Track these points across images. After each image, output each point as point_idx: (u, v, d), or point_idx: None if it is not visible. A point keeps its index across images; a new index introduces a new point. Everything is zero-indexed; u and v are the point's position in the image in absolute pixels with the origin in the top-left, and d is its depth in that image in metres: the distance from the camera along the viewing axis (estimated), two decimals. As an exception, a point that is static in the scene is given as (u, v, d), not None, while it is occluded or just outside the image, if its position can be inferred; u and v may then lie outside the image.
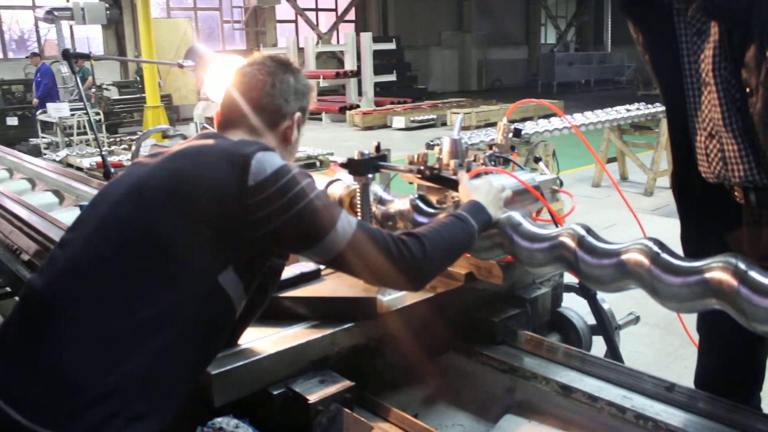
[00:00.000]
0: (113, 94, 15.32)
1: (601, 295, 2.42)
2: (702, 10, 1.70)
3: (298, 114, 1.64)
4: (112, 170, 2.74)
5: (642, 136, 8.84)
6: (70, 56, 2.52)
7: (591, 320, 2.36)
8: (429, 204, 1.90)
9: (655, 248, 1.45)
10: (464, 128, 14.90)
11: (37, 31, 17.64)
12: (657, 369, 3.79)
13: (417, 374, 1.96)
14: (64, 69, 14.74)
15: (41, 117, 12.65)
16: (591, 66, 26.90)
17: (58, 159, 11.67)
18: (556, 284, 2.26)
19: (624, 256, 1.49)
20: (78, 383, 1.26)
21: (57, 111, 11.99)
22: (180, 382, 1.39)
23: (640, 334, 4.16)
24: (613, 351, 2.17)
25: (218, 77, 2.23)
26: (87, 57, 2.76)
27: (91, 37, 18.20)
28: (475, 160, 2.08)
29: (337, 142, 12.49)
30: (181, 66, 2.43)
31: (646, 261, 1.44)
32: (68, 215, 4.06)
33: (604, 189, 8.54)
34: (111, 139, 12.72)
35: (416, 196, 1.90)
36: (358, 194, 1.84)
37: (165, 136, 3.32)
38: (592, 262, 1.54)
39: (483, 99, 18.88)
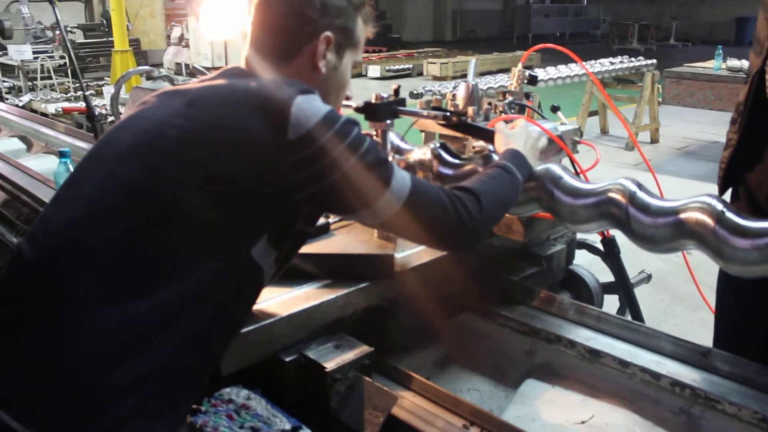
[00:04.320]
0: (78, 37, 14.75)
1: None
2: None
3: (327, 34, 1.36)
4: (96, 111, 2.51)
5: (624, 90, 8.74)
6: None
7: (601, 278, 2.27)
8: (452, 153, 1.75)
9: (720, 206, 1.32)
10: (439, 78, 14.70)
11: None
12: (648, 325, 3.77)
13: (430, 336, 1.85)
14: (25, 9, 14.13)
15: (1, 59, 12.12)
16: (567, 18, 26.64)
17: (20, 104, 11.22)
18: (569, 240, 2.14)
19: (683, 215, 1.36)
20: (87, 380, 1.04)
21: (19, 54, 11.49)
22: (203, 369, 1.21)
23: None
24: (635, 311, 2.06)
25: (216, 11, 2.02)
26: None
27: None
28: (492, 108, 1.93)
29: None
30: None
31: (709, 221, 1.31)
32: (38, 162, 3.83)
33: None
34: (77, 85, 12.26)
35: (437, 144, 1.74)
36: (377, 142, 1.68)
37: (149, 77, 3.05)
38: (646, 221, 1.41)
39: (459, 49, 18.58)
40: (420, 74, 15.23)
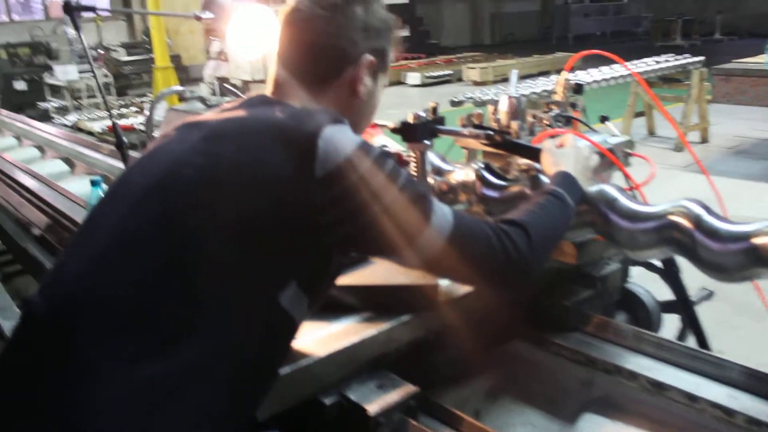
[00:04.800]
0: (121, 55, 15.00)
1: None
2: None
3: (369, 58, 1.29)
4: (125, 140, 2.47)
5: (671, 89, 8.48)
6: (72, 9, 2.21)
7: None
8: (497, 174, 1.64)
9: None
10: (480, 83, 14.51)
11: (41, -8, 17.26)
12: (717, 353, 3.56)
13: (478, 366, 1.74)
14: (70, 30, 14.43)
15: (49, 80, 12.37)
16: (607, 17, 26.21)
17: (69, 124, 11.42)
18: (624, 258, 2.01)
19: (759, 240, 1.23)
20: None
21: (64, 74, 11.70)
22: (235, 425, 1.12)
23: (688, 301, 3.93)
24: (699, 336, 1.91)
25: (242, 30, 1.96)
26: (92, 9, 2.47)
27: (96, -3, 17.82)
28: (537, 121, 1.81)
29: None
30: (198, 18, 2.14)
31: (790, 247, 1.18)
32: (79, 185, 3.84)
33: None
34: (120, 102, 12.43)
35: (481, 164, 1.64)
36: (413, 163, 1.58)
37: (181, 98, 3.00)
38: (715, 247, 1.28)
39: (498, 53, 18.37)
40: (460, 80, 15.09)
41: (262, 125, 1.15)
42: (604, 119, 2.00)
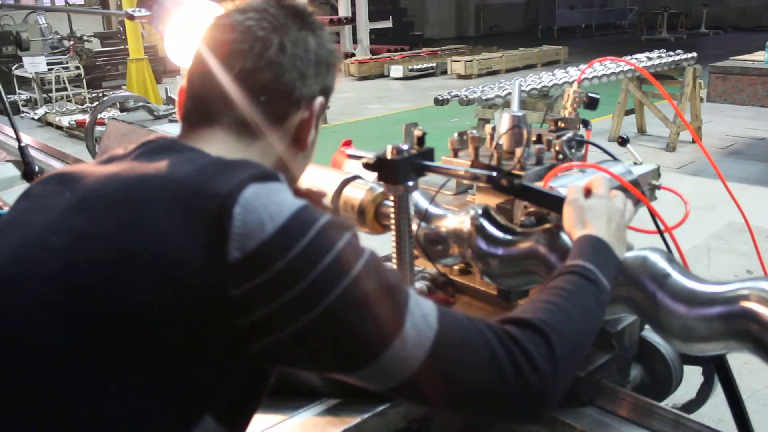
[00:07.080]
0: (95, 45, 14.52)
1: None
2: None
3: (320, 99, 1.01)
4: (36, 168, 2.12)
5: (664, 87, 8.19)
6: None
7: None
8: (500, 225, 1.29)
9: None
10: (464, 77, 14.17)
11: (12, -21, 16.70)
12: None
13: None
14: (42, 20, 13.93)
15: (17, 72, 11.88)
16: (592, 10, 26.05)
17: (36, 117, 10.98)
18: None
19: None
20: None
21: (33, 66, 11.22)
22: None
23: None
24: (735, 402, 1.57)
25: (185, 32, 1.62)
26: (-4, 7, 2.11)
27: (69, -15, 17.31)
28: (543, 144, 1.48)
29: (333, 94, 11.70)
30: (131, 17, 1.79)
31: None
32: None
33: (623, 144, 7.94)
34: (94, 95, 11.95)
35: (479, 210, 1.29)
36: (392, 209, 1.22)
37: (123, 109, 2.61)
38: None
39: (483, 45, 18.03)
40: (444, 72, 14.76)
41: (154, 187, 0.81)
42: (624, 142, 1.67)
